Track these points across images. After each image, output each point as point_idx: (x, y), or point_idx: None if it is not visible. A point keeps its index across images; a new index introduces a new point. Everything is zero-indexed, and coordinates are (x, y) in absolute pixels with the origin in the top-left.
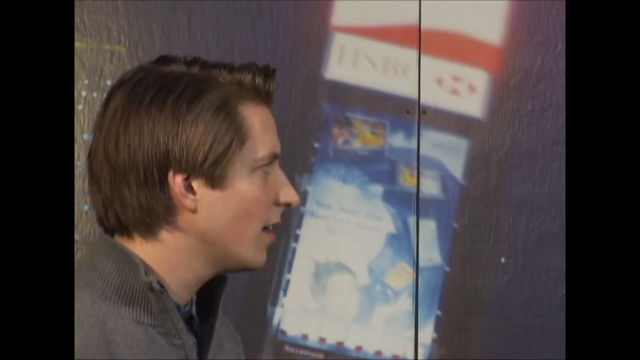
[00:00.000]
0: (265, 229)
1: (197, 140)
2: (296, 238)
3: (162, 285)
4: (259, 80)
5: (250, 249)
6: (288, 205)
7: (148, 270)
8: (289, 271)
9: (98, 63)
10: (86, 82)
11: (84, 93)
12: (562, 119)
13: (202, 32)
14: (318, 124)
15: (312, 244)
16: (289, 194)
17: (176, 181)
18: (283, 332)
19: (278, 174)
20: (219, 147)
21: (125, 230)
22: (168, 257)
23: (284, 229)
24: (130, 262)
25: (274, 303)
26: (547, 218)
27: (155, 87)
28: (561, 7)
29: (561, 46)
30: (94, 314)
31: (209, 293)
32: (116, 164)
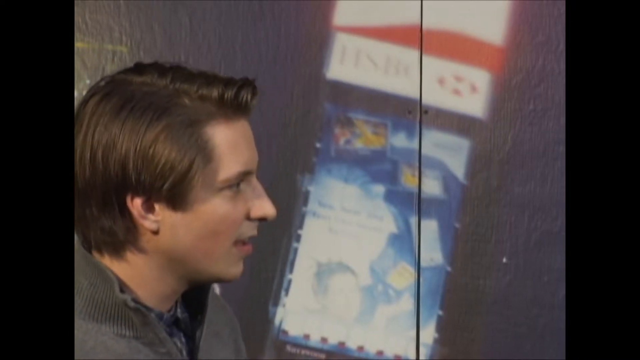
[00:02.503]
0: (238, 241)
1: (155, 163)
2: (298, 238)
3: (137, 302)
4: (229, 95)
5: (221, 265)
6: (263, 218)
7: (123, 285)
8: (291, 271)
9: (100, 63)
10: (88, 82)
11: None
12: (563, 119)
13: (204, 32)
14: (320, 124)
15: (313, 244)
16: (263, 207)
17: (134, 204)
18: (285, 332)
19: (253, 188)
20: (178, 169)
21: (93, 247)
22: (138, 274)
23: (285, 229)
24: (105, 278)
25: (276, 303)
26: (549, 218)
27: (119, 103)
28: (563, 7)
29: (563, 46)
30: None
31: (198, 288)
32: (77, 183)
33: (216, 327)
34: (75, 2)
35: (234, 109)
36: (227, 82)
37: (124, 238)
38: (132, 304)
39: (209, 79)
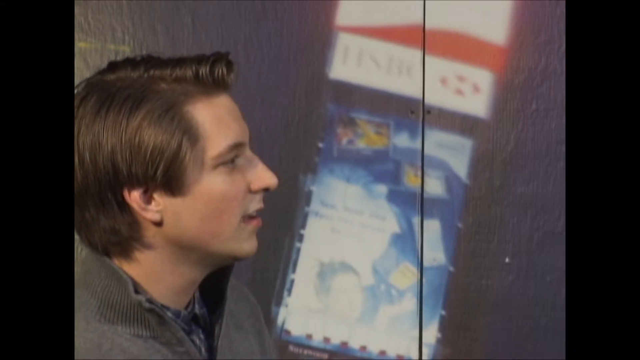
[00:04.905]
0: (245, 217)
1: (144, 151)
2: (300, 238)
3: (152, 302)
4: (203, 71)
5: (232, 243)
6: (266, 189)
7: (137, 286)
8: (293, 271)
9: (102, 63)
10: None
11: None
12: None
13: (206, 32)
14: (322, 124)
15: (316, 244)
16: (263, 178)
17: (132, 197)
18: (287, 332)
19: (249, 160)
20: (167, 153)
21: (99, 251)
22: (150, 272)
23: (288, 229)
24: (119, 279)
25: (278, 303)
26: (552, 218)
27: (98, 103)
28: (565, 7)
29: (565, 46)
30: (88, 338)
31: (216, 281)
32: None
33: (238, 319)
34: (78, 2)
35: (211, 84)
36: (200, 60)
37: (128, 234)
38: (146, 305)
39: (181, 60)
